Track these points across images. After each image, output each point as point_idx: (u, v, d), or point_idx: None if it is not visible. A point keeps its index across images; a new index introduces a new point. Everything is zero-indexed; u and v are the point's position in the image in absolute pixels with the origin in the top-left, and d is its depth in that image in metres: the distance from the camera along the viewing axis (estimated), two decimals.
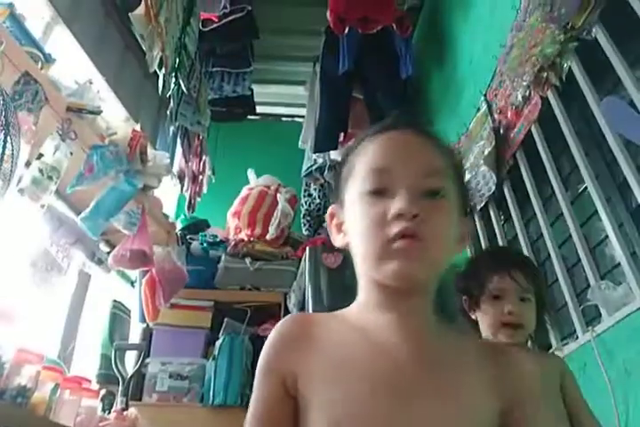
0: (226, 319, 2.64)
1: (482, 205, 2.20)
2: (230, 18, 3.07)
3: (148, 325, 2.55)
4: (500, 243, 2.10)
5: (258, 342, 2.58)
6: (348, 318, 0.67)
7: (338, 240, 0.71)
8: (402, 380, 0.59)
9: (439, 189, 0.64)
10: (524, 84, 1.85)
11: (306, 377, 0.62)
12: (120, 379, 2.29)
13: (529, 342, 1.28)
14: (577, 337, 1.54)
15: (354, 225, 0.66)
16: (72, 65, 2.33)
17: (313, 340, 0.64)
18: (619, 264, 1.44)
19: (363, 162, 0.68)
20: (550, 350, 1.65)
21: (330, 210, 0.73)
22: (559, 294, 1.71)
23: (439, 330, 0.67)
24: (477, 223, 2.29)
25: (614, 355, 1.35)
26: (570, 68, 1.65)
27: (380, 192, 0.64)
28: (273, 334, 0.68)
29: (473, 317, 1.21)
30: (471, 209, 1.08)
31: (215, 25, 3.09)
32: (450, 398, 0.59)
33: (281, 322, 0.69)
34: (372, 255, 0.63)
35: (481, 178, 2.14)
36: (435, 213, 0.63)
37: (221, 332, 2.56)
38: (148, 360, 2.47)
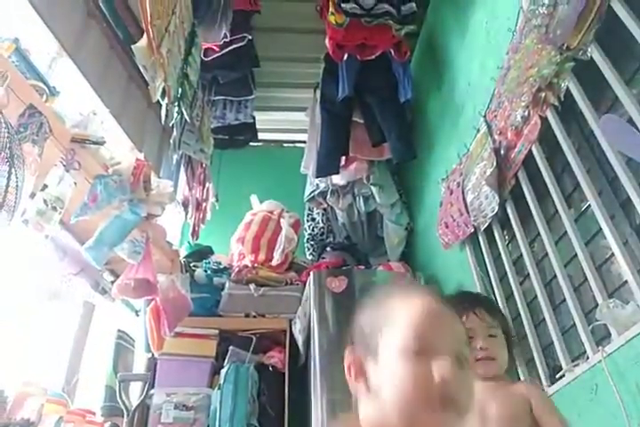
0: (231, 348, 2.61)
1: (485, 225, 2.19)
2: (231, 47, 3.13)
3: (152, 355, 2.53)
4: (506, 263, 2.09)
5: (263, 370, 2.55)
6: None
7: (356, 386, 0.72)
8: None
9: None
10: (523, 104, 1.87)
11: None
12: (125, 411, 2.26)
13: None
14: (587, 358, 1.51)
15: (391, 380, 0.68)
16: (76, 97, 2.37)
17: None
18: (626, 282, 1.43)
19: (413, 330, 0.71)
20: (560, 373, 1.62)
21: (348, 352, 0.75)
22: (567, 314, 1.68)
23: None
24: (482, 244, 2.29)
25: (626, 376, 1.32)
26: (567, 87, 1.67)
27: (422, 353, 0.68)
28: None
29: None
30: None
31: (216, 54, 3.15)
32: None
33: None
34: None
35: (483, 198, 2.14)
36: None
37: (226, 360, 2.53)
38: (152, 391, 2.44)
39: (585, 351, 1.55)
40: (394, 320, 0.70)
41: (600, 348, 1.42)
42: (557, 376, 1.64)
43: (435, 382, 0.65)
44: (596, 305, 1.49)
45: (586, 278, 1.59)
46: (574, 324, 1.63)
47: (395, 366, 0.66)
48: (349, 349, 0.74)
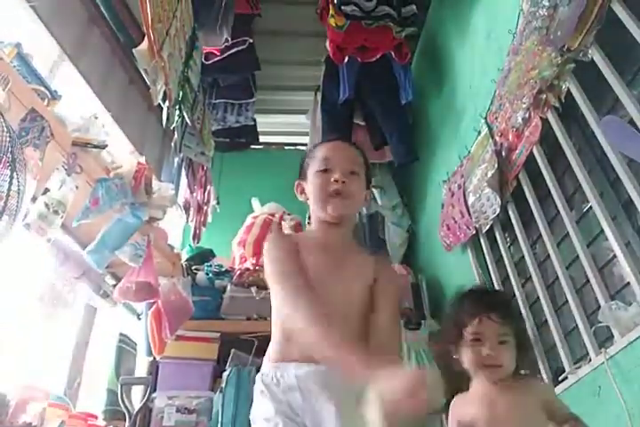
0: (232, 351, 2.60)
1: (487, 227, 2.19)
2: (232, 50, 3.13)
3: (154, 358, 2.52)
4: (507, 265, 2.08)
5: None
6: (308, 235, 1.39)
7: (301, 197, 1.29)
8: (330, 260, 1.20)
9: (356, 171, 1.25)
10: (524, 106, 1.87)
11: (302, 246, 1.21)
12: (127, 414, 2.26)
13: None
14: (590, 360, 1.51)
15: (311, 188, 1.24)
16: (78, 100, 2.38)
17: (298, 240, 1.25)
18: (628, 284, 1.42)
19: (317, 155, 1.27)
20: (563, 375, 1.61)
21: (297, 181, 1.30)
22: (569, 315, 1.68)
23: (352, 243, 1.29)
24: (483, 246, 2.28)
25: (629, 377, 1.32)
26: (568, 89, 1.67)
27: (325, 171, 1.23)
28: (275, 237, 1.35)
29: (456, 357, 1.26)
30: (371, 181, 1.38)
31: (217, 58, 3.16)
32: (351, 269, 1.20)
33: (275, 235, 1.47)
34: (320, 203, 1.21)
35: (485, 200, 2.14)
36: (354, 183, 1.23)
37: (228, 364, 2.52)
38: (154, 395, 2.43)
39: (587, 353, 1.55)
40: (314, 157, 1.27)
41: (603, 350, 1.42)
42: (560, 378, 1.63)
43: (331, 183, 1.20)
44: (599, 307, 1.48)
45: (588, 280, 1.59)
46: (576, 326, 1.63)
47: (311, 178, 1.24)
48: (297, 183, 1.30)
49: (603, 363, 1.40)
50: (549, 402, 1.19)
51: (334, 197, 1.19)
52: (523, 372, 1.26)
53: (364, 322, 1.15)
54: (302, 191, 1.27)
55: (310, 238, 1.28)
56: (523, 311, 1.94)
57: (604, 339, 1.54)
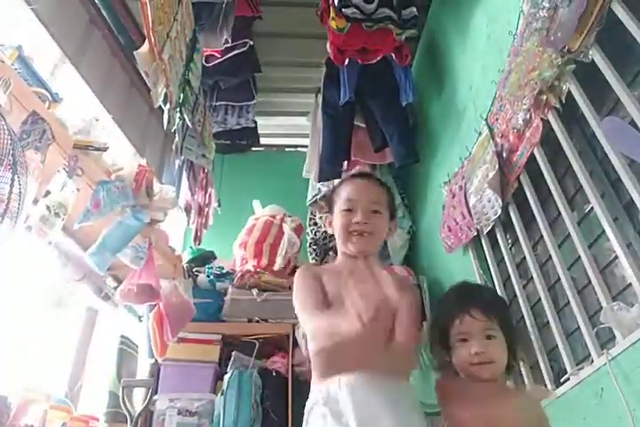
0: (234, 353, 2.60)
1: (488, 228, 2.19)
2: (233, 53, 3.14)
3: (155, 360, 2.52)
4: (509, 267, 2.08)
5: (267, 375, 2.54)
6: (334, 266, 1.44)
7: (329, 230, 1.42)
8: (360, 279, 1.28)
9: (379, 210, 1.36)
10: (525, 107, 1.87)
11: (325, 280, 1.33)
12: (128, 417, 2.26)
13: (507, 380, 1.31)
14: (592, 361, 1.51)
15: (336, 225, 1.37)
16: (79, 103, 2.38)
17: (324, 271, 1.38)
18: (630, 285, 1.42)
19: (342, 194, 1.39)
20: (565, 376, 1.61)
21: (326, 216, 1.45)
22: (571, 317, 1.68)
23: (378, 268, 1.36)
24: (485, 247, 2.28)
25: (631, 378, 1.32)
26: (569, 90, 1.67)
27: (349, 211, 1.35)
28: (302, 268, 1.47)
29: (449, 359, 1.24)
30: (395, 213, 1.49)
31: (218, 60, 3.16)
32: (378, 286, 1.27)
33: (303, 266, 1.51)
34: (343, 240, 1.36)
35: (486, 201, 2.14)
36: (375, 221, 1.35)
37: (230, 366, 2.52)
38: (156, 397, 2.43)
39: (589, 355, 1.55)
40: (339, 195, 1.39)
41: (605, 351, 1.41)
42: (562, 380, 1.63)
43: (354, 222, 1.33)
44: (600, 308, 1.48)
45: (589, 281, 1.59)
46: (578, 327, 1.62)
47: (336, 216, 1.37)
48: (326, 215, 1.44)
49: (605, 364, 1.39)
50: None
51: (356, 236, 1.33)
52: (517, 367, 1.27)
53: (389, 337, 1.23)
54: (330, 224, 1.41)
55: (335, 270, 1.37)
56: (524, 313, 1.94)
57: (605, 340, 1.53)
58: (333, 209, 1.39)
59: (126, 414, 2.28)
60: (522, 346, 1.31)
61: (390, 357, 1.20)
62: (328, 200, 1.45)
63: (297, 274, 1.39)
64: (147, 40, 2.02)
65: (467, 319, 1.19)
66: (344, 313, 1.19)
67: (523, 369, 1.85)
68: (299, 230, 3.31)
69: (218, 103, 3.46)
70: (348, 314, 1.18)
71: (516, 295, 2.01)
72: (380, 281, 1.29)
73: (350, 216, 1.33)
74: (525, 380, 1.86)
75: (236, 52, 3.13)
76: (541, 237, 1.87)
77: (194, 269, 3.02)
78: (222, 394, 2.40)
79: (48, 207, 1.73)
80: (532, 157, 1.89)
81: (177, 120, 2.62)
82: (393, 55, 2.90)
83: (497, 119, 2.14)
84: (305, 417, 1.25)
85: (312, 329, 1.28)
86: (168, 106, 2.36)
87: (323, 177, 3.25)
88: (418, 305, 1.37)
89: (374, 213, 1.34)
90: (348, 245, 1.34)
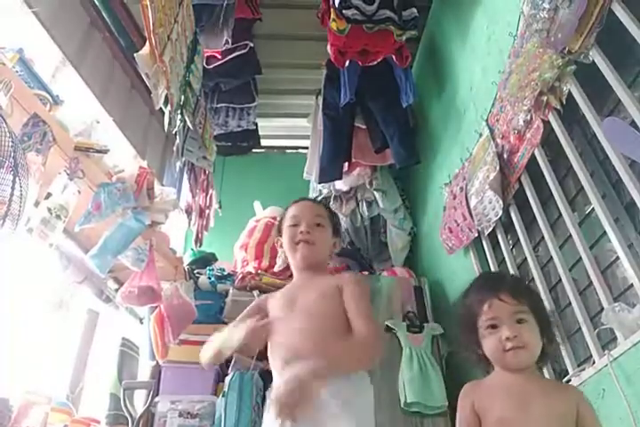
0: (235, 355, 2.59)
1: (489, 230, 2.19)
2: (233, 55, 3.14)
3: (157, 362, 2.52)
4: (510, 268, 2.08)
5: (268, 377, 2.53)
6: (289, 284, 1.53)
7: (280, 251, 1.53)
8: (295, 294, 1.43)
9: (321, 223, 1.49)
10: (525, 108, 1.87)
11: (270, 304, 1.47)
12: (129, 419, 2.25)
13: (543, 369, 1.24)
14: (593, 362, 1.50)
15: (284, 240, 1.49)
16: (80, 105, 2.39)
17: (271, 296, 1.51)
18: (631, 285, 1.42)
19: (288, 214, 1.52)
20: (567, 377, 1.61)
21: (276, 238, 1.57)
22: (572, 317, 1.68)
23: (322, 276, 1.46)
24: (486, 248, 2.28)
25: (633, 380, 1.31)
26: (569, 91, 1.67)
27: (295, 225, 1.48)
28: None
29: (481, 352, 1.18)
30: (339, 231, 1.62)
31: (219, 62, 3.17)
32: (318, 291, 1.39)
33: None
34: (291, 252, 1.47)
35: (487, 203, 2.14)
36: (319, 232, 1.46)
37: (231, 368, 2.52)
38: (157, 399, 2.43)
39: (591, 356, 1.55)
40: (285, 217, 1.53)
41: (606, 352, 1.41)
42: (564, 381, 1.63)
43: (298, 232, 1.46)
44: (602, 309, 1.48)
45: (591, 282, 1.59)
46: (580, 328, 1.62)
47: (284, 233, 1.49)
48: (277, 239, 1.56)
49: (606, 365, 1.39)
50: (586, 421, 1.08)
51: (301, 244, 1.44)
52: (553, 353, 1.17)
53: (336, 327, 1.31)
54: (281, 245, 1.52)
55: (287, 286, 1.50)
56: None
57: (607, 341, 1.53)
58: (282, 232, 1.52)
59: (127, 416, 2.27)
60: (556, 330, 1.25)
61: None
62: (278, 226, 1.56)
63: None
64: (147, 42, 2.02)
65: (495, 303, 1.12)
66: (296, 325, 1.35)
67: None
68: None
69: (219, 105, 3.47)
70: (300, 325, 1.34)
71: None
72: (322, 285, 1.40)
73: (296, 229, 1.46)
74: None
75: (236, 54, 3.13)
76: (542, 238, 1.87)
77: (195, 271, 3.02)
78: (223, 396, 2.40)
79: (49, 209, 1.73)
80: (532, 158, 1.89)
81: (178, 122, 2.62)
82: (393, 57, 2.90)
83: (497, 120, 2.14)
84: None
85: None
86: (169, 108, 2.36)
87: (323, 178, 3.25)
88: (363, 292, 1.40)
89: (317, 226, 1.47)
90: (295, 255, 1.45)
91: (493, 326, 1.13)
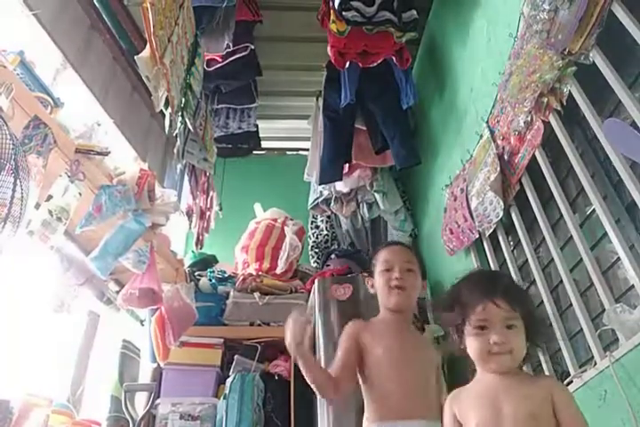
0: (236, 357, 2.59)
1: (490, 231, 2.18)
2: (234, 57, 3.14)
3: (157, 364, 2.52)
4: (511, 269, 2.08)
5: (269, 379, 2.53)
6: (378, 320, 1.58)
7: (371, 290, 1.61)
8: (400, 345, 1.49)
9: (412, 268, 1.56)
10: (526, 109, 1.87)
11: (367, 340, 1.50)
12: (130, 421, 2.25)
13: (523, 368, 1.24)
14: (595, 363, 1.50)
15: (378, 284, 1.57)
16: (80, 108, 2.39)
17: (367, 327, 1.55)
18: (632, 286, 1.42)
19: (380, 258, 1.60)
20: (568, 378, 1.60)
21: (368, 279, 1.64)
22: (574, 319, 1.67)
23: (412, 327, 1.64)
24: (487, 250, 2.28)
25: (635, 381, 1.31)
26: (570, 92, 1.67)
27: (388, 270, 1.55)
28: (349, 325, 1.57)
29: (462, 347, 1.19)
30: (425, 274, 1.67)
31: (219, 64, 3.17)
32: (421, 350, 1.52)
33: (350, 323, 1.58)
34: (385, 296, 1.55)
35: (488, 204, 2.14)
36: (410, 278, 1.55)
37: (232, 370, 2.52)
38: (158, 401, 2.43)
39: (592, 357, 1.54)
40: (377, 260, 1.61)
41: (608, 353, 1.41)
42: (565, 383, 1.62)
43: (393, 278, 1.53)
44: (603, 310, 1.48)
45: (592, 283, 1.58)
46: (581, 329, 1.62)
47: (377, 276, 1.58)
48: (368, 279, 1.63)
49: (608, 367, 1.39)
50: (561, 406, 1.09)
51: (396, 290, 1.52)
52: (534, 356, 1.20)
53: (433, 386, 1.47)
54: (372, 285, 1.61)
55: (378, 323, 1.57)
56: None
57: (609, 342, 1.53)
58: (374, 274, 1.60)
59: (128, 418, 2.27)
60: (543, 337, 1.25)
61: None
62: (369, 266, 1.67)
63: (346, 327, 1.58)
64: (148, 45, 2.03)
65: (489, 307, 1.12)
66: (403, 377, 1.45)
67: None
68: (300, 234, 3.31)
69: (219, 106, 3.47)
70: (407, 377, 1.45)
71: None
72: (418, 341, 1.57)
73: (389, 274, 1.54)
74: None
75: (237, 56, 3.13)
76: (543, 239, 1.87)
77: (196, 273, 3.02)
78: (224, 398, 2.40)
79: (50, 212, 1.73)
80: (533, 160, 1.89)
81: (178, 124, 2.62)
82: (393, 58, 2.91)
83: (498, 121, 2.14)
84: None
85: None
86: (169, 110, 2.37)
87: (324, 180, 3.25)
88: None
89: (409, 272, 1.55)
90: (389, 299, 1.54)
91: (482, 327, 1.14)
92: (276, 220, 3.34)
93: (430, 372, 1.48)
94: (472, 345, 1.14)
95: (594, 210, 1.59)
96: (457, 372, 2.40)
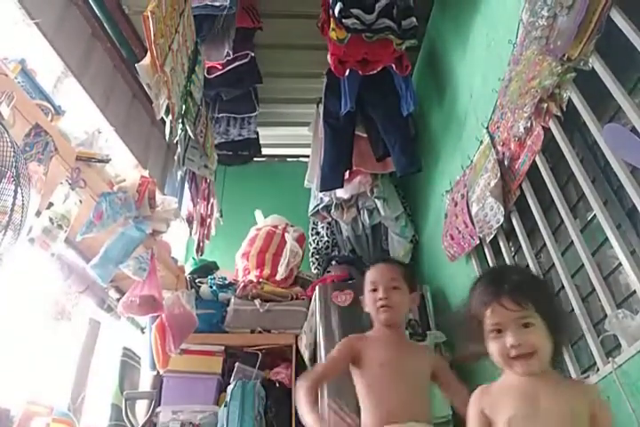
0: (237, 364, 2.58)
1: (491, 237, 2.18)
2: (234, 64, 3.16)
3: (158, 372, 2.51)
4: None
5: (270, 386, 2.52)
6: (373, 333, 1.66)
7: (365, 309, 1.67)
8: (392, 358, 1.57)
9: (397, 286, 1.63)
10: (525, 115, 1.87)
11: (363, 351, 1.58)
12: None
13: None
14: (597, 369, 1.49)
15: (367, 304, 1.66)
16: (81, 115, 2.40)
17: (362, 340, 1.63)
18: (634, 292, 1.41)
19: (367, 278, 1.69)
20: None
21: (362, 298, 1.70)
22: (576, 324, 1.66)
23: (406, 340, 1.83)
24: (487, 256, 2.27)
25: (638, 387, 1.30)
26: (569, 97, 1.67)
27: (374, 291, 1.64)
28: (346, 338, 1.66)
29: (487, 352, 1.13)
30: (416, 285, 1.76)
31: (220, 72, 3.18)
32: (414, 362, 1.58)
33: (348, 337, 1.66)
34: (374, 314, 1.64)
35: (488, 210, 2.14)
36: (396, 295, 1.62)
37: (233, 377, 2.51)
38: (158, 409, 2.42)
39: (595, 363, 1.54)
40: (366, 280, 1.69)
41: (610, 359, 1.40)
42: None
43: (378, 299, 1.61)
44: (605, 316, 1.47)
45: (594, 289, 1.58)
46: (583, 335, 1.61)
47: (366, 296, 1.66)
48: (362, 298, 1.69)
49: (611, 373, 1.38)
50: (595, 412, 1.03)
51: (382, 309, 1.61)
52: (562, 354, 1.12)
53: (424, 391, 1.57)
54: (364, 303, 1.70)
55: (373, 336, 1.66)
56: None
57: (611, 348, 1.52)
58: (365, 290, 1.69)
59: (129, 426, 2.26)
60: (566, 330, 1.17)
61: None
62: (361, 285, 1.74)
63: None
64: (148, 52, 2.04)
65: (497, 309, 1.06)
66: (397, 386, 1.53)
67: None
68: (301, 240, 3.31)
69: (220, 115, 3.48)
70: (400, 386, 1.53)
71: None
72: (412, 353, 1.64)
73: (375, 295, 1.63)
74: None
75: (237, 63, 3.15)
76: (544, 244, 1.87)
77: (196, 280, 3.02)
78: (225, 406, 2.38)
79: (51, 219, 1.73)
80: (533, 165, 1.89)
81: (179, 131, 2.63)
82: (393, 66, 2.92)
83: (498, 127, 2.14)
84: None
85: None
86: (170, 117, 2.37)
87: (324, 186, 3.25)
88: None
89: (394, 289, 1.62)
90: (378, 316, 1.64)
91: (498, 331, 1.08)
92: (276, 226, 3.34)
93: (423, 382, 1.57)
94: (492, 351, 1.09)
95: (595, 215, 1.59)
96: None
